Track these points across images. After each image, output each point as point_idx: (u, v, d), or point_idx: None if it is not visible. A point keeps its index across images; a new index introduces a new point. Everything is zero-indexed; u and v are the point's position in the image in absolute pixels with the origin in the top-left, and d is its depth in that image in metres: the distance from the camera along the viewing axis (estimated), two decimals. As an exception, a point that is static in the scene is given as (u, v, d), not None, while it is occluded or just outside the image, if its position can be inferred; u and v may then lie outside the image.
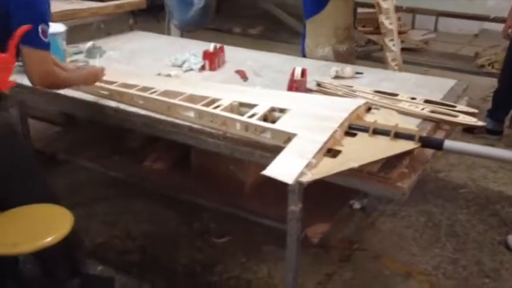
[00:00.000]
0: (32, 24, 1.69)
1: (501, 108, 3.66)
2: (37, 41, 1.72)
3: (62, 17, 2.67)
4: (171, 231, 2.59)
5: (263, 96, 1.94)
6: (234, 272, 2.31)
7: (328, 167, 1.49)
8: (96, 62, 2.57)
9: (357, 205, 2.75)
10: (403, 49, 2.94)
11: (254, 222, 2.22)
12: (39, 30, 1.71)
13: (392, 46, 2.62)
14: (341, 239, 2.52)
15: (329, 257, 2.41)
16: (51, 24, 2.37)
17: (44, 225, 1.81)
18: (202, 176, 2.36)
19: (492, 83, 3.96)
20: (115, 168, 2.37)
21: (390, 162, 1.55)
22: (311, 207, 1.91)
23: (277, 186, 1.65)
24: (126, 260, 2.37)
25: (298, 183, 1.62)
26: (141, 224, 2.60)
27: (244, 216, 2.19)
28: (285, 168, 1.48)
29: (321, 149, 1.53)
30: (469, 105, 2.05)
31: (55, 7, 2.96)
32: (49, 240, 1.75)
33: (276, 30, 6.70)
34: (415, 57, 4.45)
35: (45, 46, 1.75)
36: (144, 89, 2.02)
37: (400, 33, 2.84)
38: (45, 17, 1.75)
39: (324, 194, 2.07)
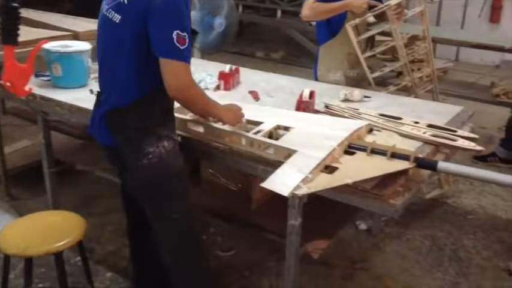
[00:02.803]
0: (166, 31, 1.56)
1: (514, 137, 3.67)
2: (171, 50, 1.57)
3: (89, 36, 2.85)
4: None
5: (270, 115, 2.04)
6: (236, 284, 2.38)
7: (324, 182, 1.56)
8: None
9: (362, 226, 2.80)
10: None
11: (258, 238, 2.29)
12: (174, 37, 1.56)
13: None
14: (344, 258, 2.57)
15: (331, 275, 2.46)
16: (78, 42, 2.45)
17: (57, 231, 1.92)
18: (211, 190, 2.45)
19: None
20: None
21: (386, 181, 1.62)
22: (313, 224, 1.98)
23: (282, 203, 1.74)
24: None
25: (298, 198, 1.71)
26: (152, 234, 2.70)
27: (247, 231, 2.27)
28: (282, 181, 1.56)
29: (318, 165, 1.61)
30: (473, 131, 2.08)
31: (84, 27, 3.16)
32: (61, 245, 1.86)
33: (297, 55, 6.85)
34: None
35: (181, 55, 1.59)
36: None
37: (417, 61, 2.93)
38: (182, 23, 1.58)
39: (326, 213, 2.14)
